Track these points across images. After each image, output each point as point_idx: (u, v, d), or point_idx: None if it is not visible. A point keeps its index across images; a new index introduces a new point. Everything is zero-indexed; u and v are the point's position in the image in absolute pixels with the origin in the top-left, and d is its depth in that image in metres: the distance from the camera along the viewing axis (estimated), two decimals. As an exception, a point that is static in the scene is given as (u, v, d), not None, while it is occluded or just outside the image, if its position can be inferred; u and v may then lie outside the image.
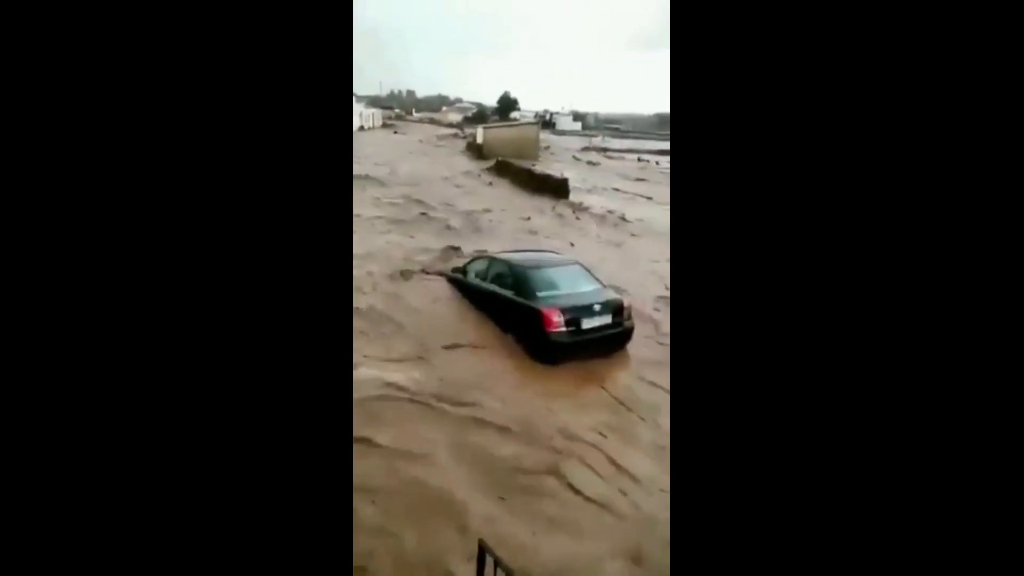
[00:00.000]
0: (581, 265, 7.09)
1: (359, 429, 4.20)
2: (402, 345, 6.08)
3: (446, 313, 7.02)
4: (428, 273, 8.49)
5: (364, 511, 3.43)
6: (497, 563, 2.18)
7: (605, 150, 38.94)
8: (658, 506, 3.73)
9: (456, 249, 9.80)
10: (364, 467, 3.78)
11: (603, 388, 5.52)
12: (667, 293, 7.66)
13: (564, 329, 5.83)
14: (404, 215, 12.76)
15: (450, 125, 49.92)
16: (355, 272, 7.31)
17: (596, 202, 16.57)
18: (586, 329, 5.93)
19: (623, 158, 33.84)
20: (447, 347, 6.04)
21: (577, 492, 3.93)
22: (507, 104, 66.97)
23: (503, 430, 4.61)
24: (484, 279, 7.06)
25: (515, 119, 49.92)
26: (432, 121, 56.09)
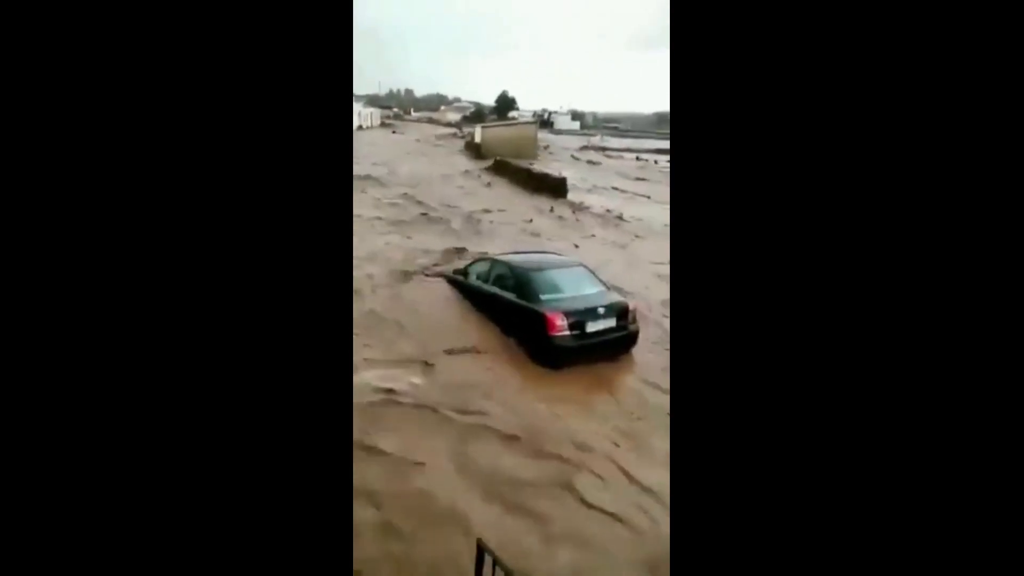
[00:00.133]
0: (585, 267, 6.95)
1: (359, 436, 4.07)
2: (403, 349, 5.94)
3: (448, 316, 6.87)
4: (428, 275, 8.36)
5: (366, 520, 3.32)
6: (496, 562, 2.15)
7: (604, 149, 38.96)
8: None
9: (460, 251, 9.67)
10: (365, 476, 3.65)
11: (611, 394, 5.37)
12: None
13: (568, 333, 5.69)
14: (403, 215, 12.63)
15: (448, 124, 49.91)
16: (354, 274, 7.17)
17: (596, 201, 16.48)
18: (590, 333, 5.78)
19: (622, 157, 33.79)
20: (449, 351, 5.90)
21: (592, 507, 3.75)
22: (505, 103, 66.94)
23: (510, 439, 4.45)
24: (486, 281, 6.92)
25: (513, 118, 49.90)
26: (430, 120, 56.06)
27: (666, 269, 9.02)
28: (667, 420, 4.73)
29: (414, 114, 66.09)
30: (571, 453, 4.34)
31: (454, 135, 37.98)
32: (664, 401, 5.11)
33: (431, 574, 3.07)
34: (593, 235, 12.06)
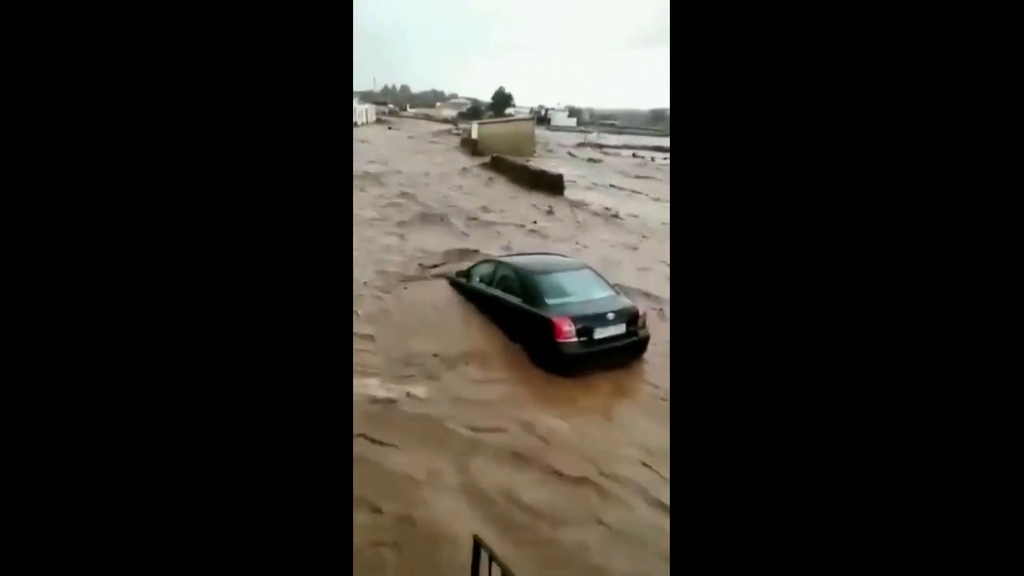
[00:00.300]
0: (591, 269, 6.70)
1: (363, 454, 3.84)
2: (405, 354, 5.72)
3: (451, 320, 6.65)
4: (428, 278, 8.14)
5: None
6: (492, 559, 2.13)
7: (600, 146, 38.90)
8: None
9: (463, 252, 9.45)
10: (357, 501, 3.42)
11: (632, 403, 5.11)
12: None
13: (575, 339, 5.44)
14: (402, 215, 12.39)
15: (444, 121, 49.67)
16: (353, 276, 6.93)
17: (595, 199, 16.29)
18: (599, 339, 5.54)
19: (619, 154, 33.66)
20: (453, 357, 5.69)
21: (629, 540, 3.41)
22: (502, 100, 66.76)
23: (522, 459, 4.15)
24: (490, 284, 6.67)
25: (510, 115, 49.69)
26: (427, 117, 55.72)
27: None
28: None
29: (410, 110, 65.63)
30: (601, 479, 3.96)
31: (450, 132, 37.69)
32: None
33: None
34: (604, 238, 11.84)
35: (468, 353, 5.79)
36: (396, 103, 74.46)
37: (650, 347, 5.89)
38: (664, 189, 19.00)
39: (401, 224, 11.57)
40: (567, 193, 16.32)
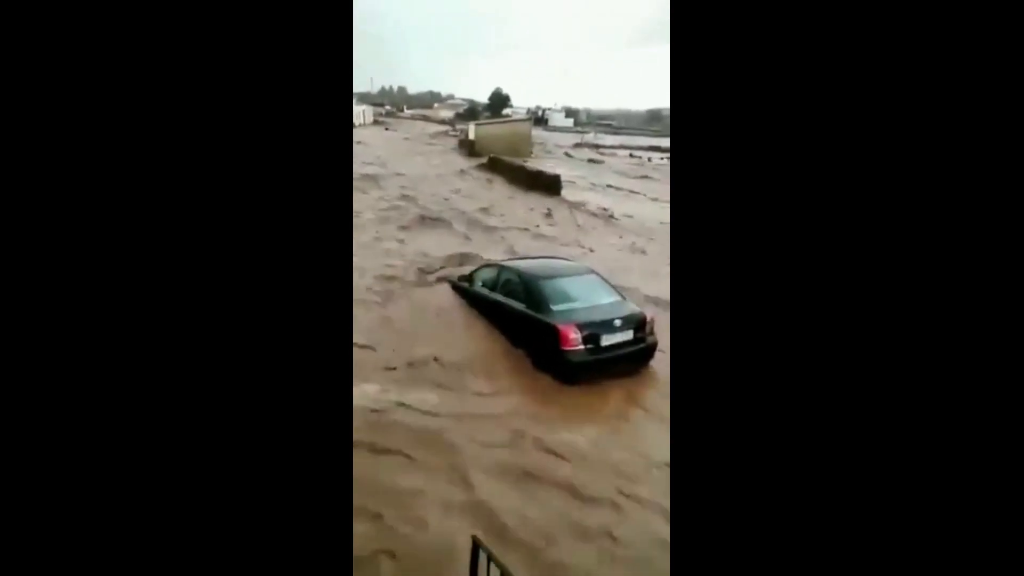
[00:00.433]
0: (597, 274, 6.57)
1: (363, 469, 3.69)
2: (408, 360, 5.58)
3: (454, 325, 6.51)
4: (430, 283, 8.00)
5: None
6: (491, 559, 2.12)
7: (597, 146, 38.92)
8: None
9: (464, 255, 9.32)
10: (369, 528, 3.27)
11: (646, 414, 4.95)
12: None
13: (582, 347, 5.32)
14: (401, 217, 12.24)
15: (442, 122, 49.47)
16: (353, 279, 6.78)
17: (593, 199, 16.20)
18: (606, 347, 5.42)
19: (615, 154, 33.62)
20: (458, 363, 5.55)
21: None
22: (499, 100, 66.68)
23: (536, 479, 3.97)
24: (492, 288, 6.54)
25: (507, 115, 49.60)
26: (424, 118, 55.54)
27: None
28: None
29: (407, 112, 65.40)
30: (621, 500, 3.75)
31: (447, 132, 37.54)
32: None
33: None
34: (611, 243, 11.70)
35: (471, 360, 5.66)
36: (393, 104, 74.19)
37: (658, 354, 5.76)
38: (660, 189, 18.99)
39: (401, 227, 11.43)
40: (566, 194, 16.19)
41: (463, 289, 7.16)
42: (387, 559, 3.11)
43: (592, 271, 6.69)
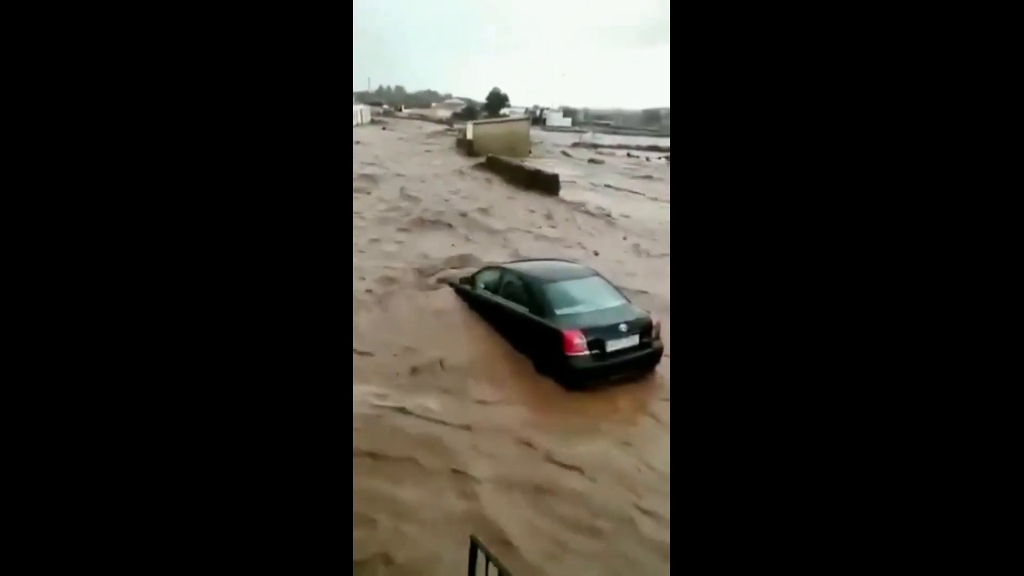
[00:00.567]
0: (601, 277, 6.44)
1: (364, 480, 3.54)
2: (410, 366, 5.44)
3: (456, 329, 6.38)
4: (431, 285, 7.86)
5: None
6: (489, 559, 2.11)
7: (595, 146, 38.96)
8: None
9: (463, 257, 9.19)
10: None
11: (657, 424, 4.79)
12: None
13: (587, 353, 5.18)
14: (400, 218, 12.10)
15: (440, 121, 49.37)
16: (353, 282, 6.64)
17: (592, 199, 16.12)
18: (611, 352, 5.28)
19: (613, 154, 33.61)
20: (461, 369, 5.42)
21: None
22: (497, 100, 66.57)
23: (548, 492, 3.81)
24: (495, 291, 6.40)
25: (505, 115, 49.48)
26: (422, 117, 55.42)
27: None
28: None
29: (405, 111, 65.19)
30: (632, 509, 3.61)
31: (446, 132, 37.41)
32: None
33: None
34: (607, 242, 11.59)
35: (474, 365, 5.52)
36: (391, 103, 74.00)
37: (664, 359, 5.62)
38: (660, 189, 18.92)
39: (400, 229, 11.31)
40: (564, 194, 16.10)
41: (465, 292, 7.02)
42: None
43: (596, 273, 6.56)
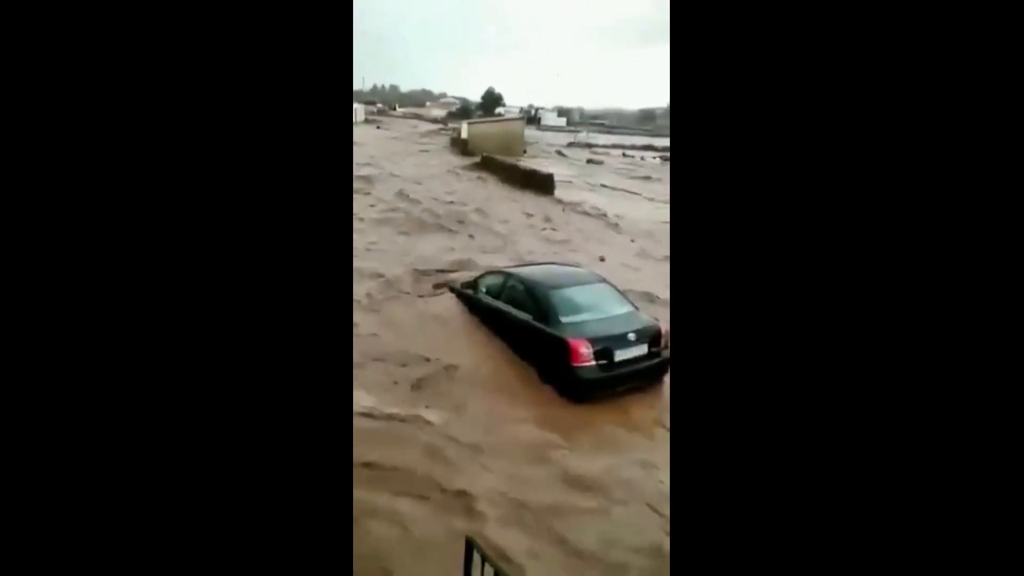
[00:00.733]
0: (608, 283, 6.24)
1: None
2: (411, 372, 5.25)
3: (457, 335, 6.20)
4: (430, 288, 7.67)
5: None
6: (485, 559, 2.08)
7: (590, 145, 38.98)
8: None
9: (461, 260, 9.01)
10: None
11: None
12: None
13: (593, 363, 4.99)
14: (398, 219, 11.91)
15: (434, 120, 49.19)
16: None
17: (590, 199, 16.04)
18: (619, 362, 5.09)
19: (608, 153, 33.60)
20: (464, 376, 5.24)
21: None
22: (492, 99, 66.47)
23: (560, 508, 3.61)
24: (497, 297, 6.19)
25: (500, 114, 49.33)
26: (416, 116, 55.21)
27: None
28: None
29: (399, 110, 64.90)
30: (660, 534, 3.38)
31: (440, 131, 37.21)
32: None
33: None
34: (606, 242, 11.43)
35: (477, 372, 5.36)
36: (385, 102, 73.69)
37: (673, 368, 5.45)
38: (659, 189, 18.84)
39: (400, 231, 11.12)
40: (560, 194, 16.01)
41: (466, 296, 6.82)
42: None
43: (603, 279, 6.36)
